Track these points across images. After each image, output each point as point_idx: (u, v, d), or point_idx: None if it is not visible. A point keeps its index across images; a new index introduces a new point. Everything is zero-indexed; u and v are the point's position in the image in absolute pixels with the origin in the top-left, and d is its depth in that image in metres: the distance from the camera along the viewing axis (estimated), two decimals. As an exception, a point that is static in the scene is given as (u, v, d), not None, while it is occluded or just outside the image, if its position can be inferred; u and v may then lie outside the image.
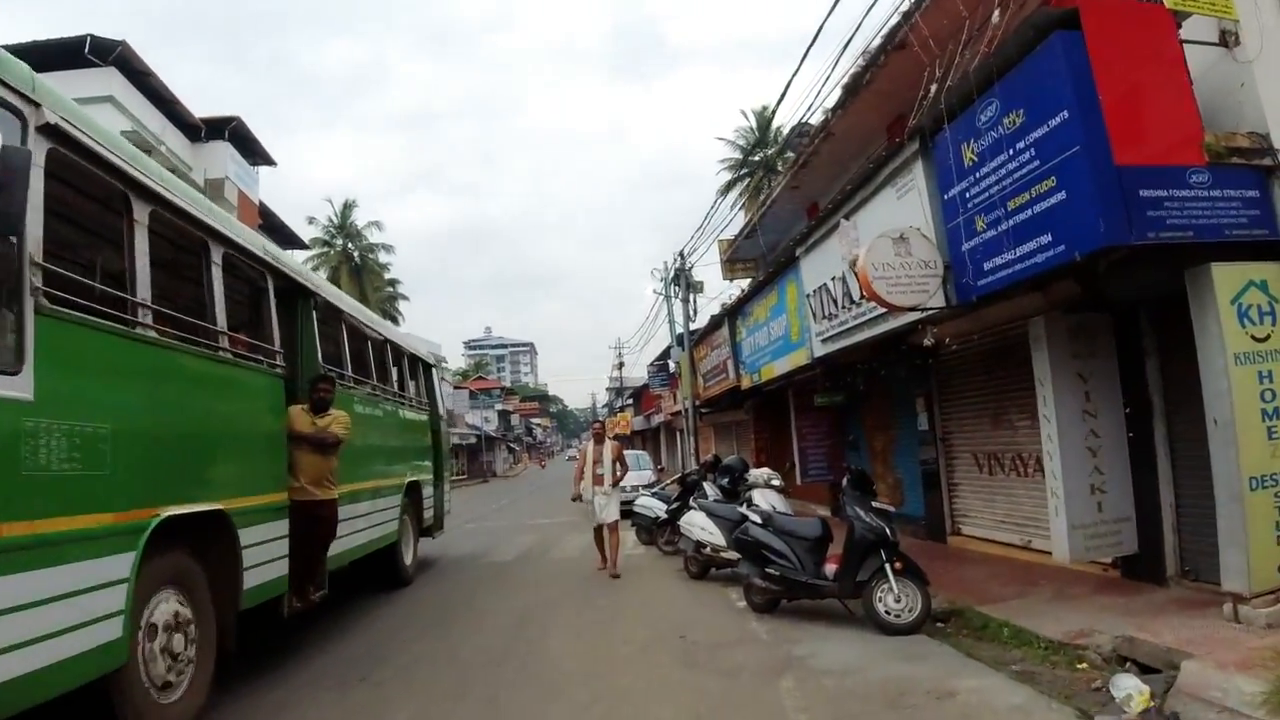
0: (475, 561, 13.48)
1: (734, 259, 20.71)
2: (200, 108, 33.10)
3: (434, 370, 14.09)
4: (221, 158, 36.06)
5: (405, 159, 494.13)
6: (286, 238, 49.19)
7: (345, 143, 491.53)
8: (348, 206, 61.14)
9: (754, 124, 41.45)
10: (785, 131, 30.44)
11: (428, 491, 12.16)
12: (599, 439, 11.09)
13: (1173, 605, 6.88)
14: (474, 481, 58.58)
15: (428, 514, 12.17)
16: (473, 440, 62.42)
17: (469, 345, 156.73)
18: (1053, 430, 7.69)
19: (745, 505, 8.96)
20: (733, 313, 16.52)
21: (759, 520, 8.22)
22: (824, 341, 11.11)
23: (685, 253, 20.76)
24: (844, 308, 10.05)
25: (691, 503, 10.94)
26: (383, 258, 62.62)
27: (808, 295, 11.39)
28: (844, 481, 7.71)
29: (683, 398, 21.80)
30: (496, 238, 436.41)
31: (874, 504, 7.35)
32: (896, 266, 7.41)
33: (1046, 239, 6.21)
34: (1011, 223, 6.54)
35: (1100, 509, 7.72)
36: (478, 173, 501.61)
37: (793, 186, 15.40)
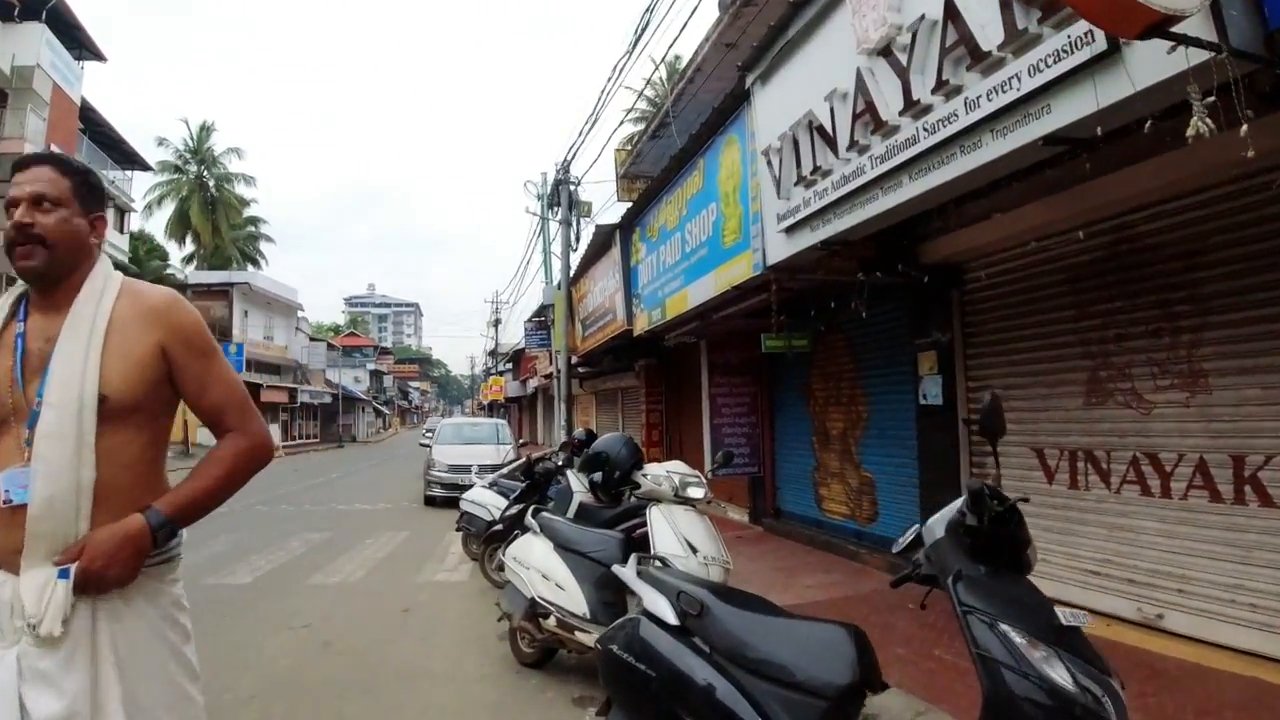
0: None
1: (634, 174, 15.60)
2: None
3: None
4: (34, 41, 28.83)
5: (296, 109, 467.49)
6: (125, 155, 41.58)
7: (240, 89, 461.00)
8: (205, 129, 53.45)
9: (664, 74, 36.39)
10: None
11: None
12: None
13: None
14: (326, 447, 52.35)
15: None
16: (327, 399, 55.64)
17: (350, 301, 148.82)
18: None
19: (636, 559, 3.80)
20: (627, 225, 11.47)
21: (670, 615, 3.04)
22: (792, 230, 6.21)
23: (568, 162, 15.57)
24: (854, 147, 5.13)
25: (528, 519, 5.71)
26: (244, 191, 55.23)
27: (765, 152, 6.45)
28: (959, 515, 2.55)
29: (555, 351, 16.58)
30: (389, 198, 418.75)
31: (1062, 613, 2.26)
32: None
33: None
34: None
35: None
36: (371, 130, 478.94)
37: (727, 44, 10.31)
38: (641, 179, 15.64)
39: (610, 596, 4.68)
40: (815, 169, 5.68)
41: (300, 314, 57.21)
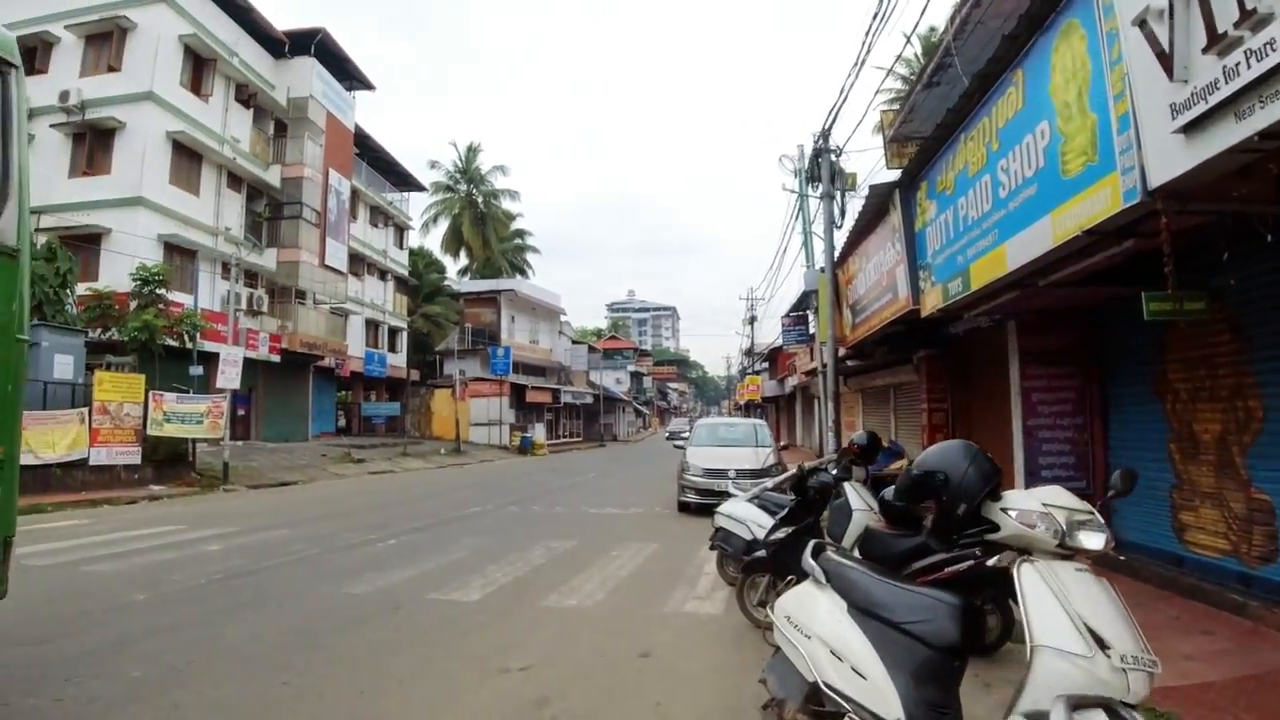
0: (403, 603, 7.21)
1: (905, 135, 13.44)
2: (378, 76, 29.99)
3: None
4: (306, 74, 31.75)
5: (562, 125, 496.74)
6: (401, 177, 45.11)
7: (507, 108, 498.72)
8: (472, 150, 57.25)
9: (918, 50, 33.06)
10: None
11: None
12: None
13: None
14: (588, 445, 53.79)
15: None
16: (588, 400, 57.05)
17: (611, 307, 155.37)
18: None
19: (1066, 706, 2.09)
20: (909, 181, 9.45)
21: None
22: (1198, 126, 4.09)
23: (828, 129, 13.61)
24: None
25: (808, 561, 3.90)
26: (509, 206, 58.36)
27: (1140, 20, 4.38)
28: None
29: (819, 343, 14.65)
30: (651, 206, 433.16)
31: None
32: None
33: None
34: None
35: None
36: (634, 142, 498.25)
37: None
38: (914, 141, 13.47)
39: (936, 695, 2.95)
40: (1244, 16, 3.58)
41: (563, 318, 59.28)
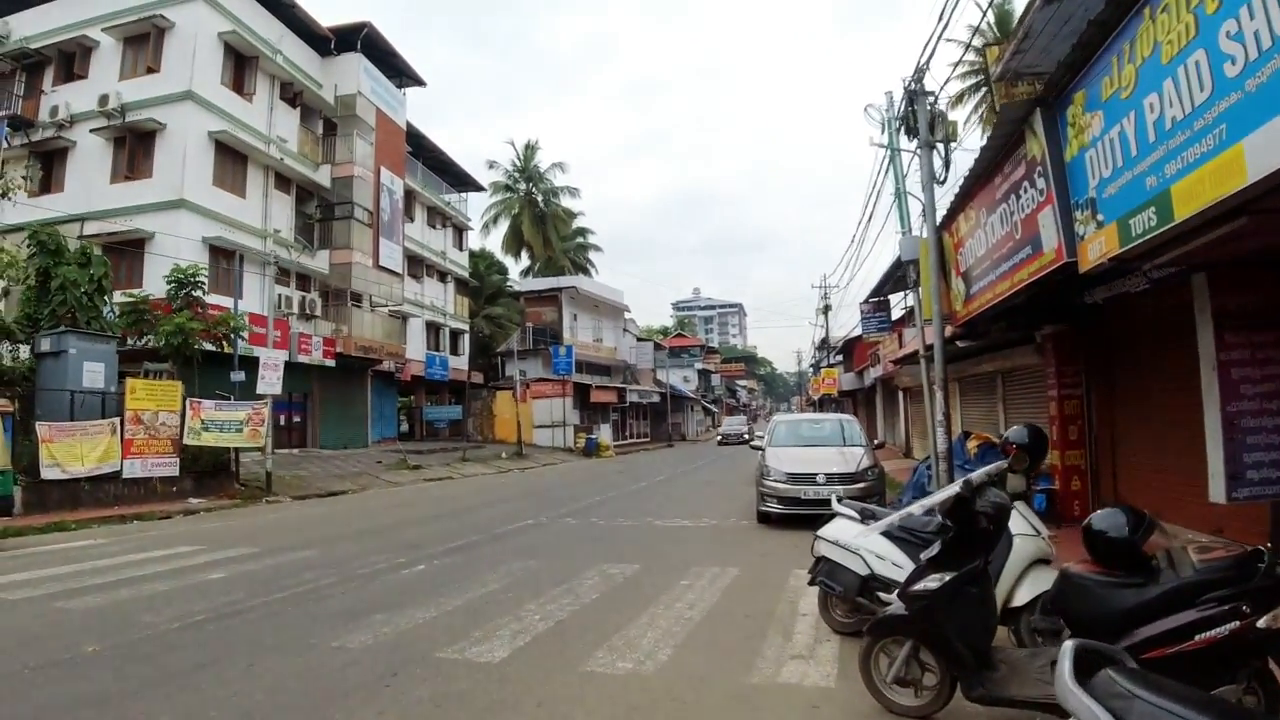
0: (406, 663, 5.42)
1: (1018, 71, 11.19)
2: (437, 84, 28.97)
3: None
4: (353, 71, 30.58)
5: (629, 128, 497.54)
6: (458, 178, 44.05)
7: (573, 114, 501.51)
8: (530, 148, 56.16)
9: (991, 19, 30.39)
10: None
11: None
12: None
13: None
14: (656, 445, 52.05)
15: None
16: (655, 399, 55.25)
17: (676, 306, 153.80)
18: None
19: None
20: (1054, 99, 7.31)
21: None
22: None
23: (923, 68, 11.35)
24: None
25: (1073, 688, 1.88)
26: (569, 203, 57.24)
27: None
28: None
29: (921, 322, 12.41)
30: (716, 204, 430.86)
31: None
32: None
33: None
34: None
35: None
36: (699, 141, 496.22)
37: None
38: (1027, 77, 11.18)
39: None
40: None
41: (627, 315, 57.67)
